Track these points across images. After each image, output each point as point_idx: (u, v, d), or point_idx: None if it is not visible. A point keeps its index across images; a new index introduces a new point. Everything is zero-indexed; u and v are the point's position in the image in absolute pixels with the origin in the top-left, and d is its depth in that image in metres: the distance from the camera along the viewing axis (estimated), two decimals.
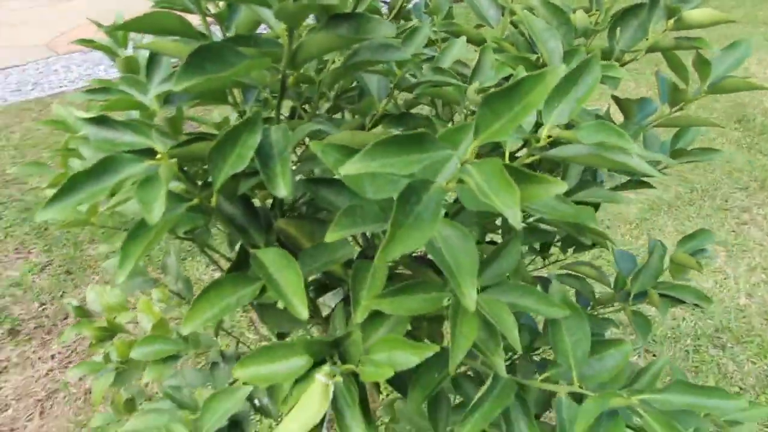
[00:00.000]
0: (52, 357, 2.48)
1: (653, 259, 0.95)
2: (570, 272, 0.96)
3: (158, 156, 0.48)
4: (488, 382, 0.60)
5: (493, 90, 0.42)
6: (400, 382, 0.65)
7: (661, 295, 0.90)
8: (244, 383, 0.56)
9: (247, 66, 0.47)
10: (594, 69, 0.53)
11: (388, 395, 2.06)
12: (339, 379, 0.50)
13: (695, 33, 0.72)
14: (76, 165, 0.67)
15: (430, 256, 0.47)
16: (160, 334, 0.88)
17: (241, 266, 0.64)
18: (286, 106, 0.64)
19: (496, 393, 0.60)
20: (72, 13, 5.60)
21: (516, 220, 0.36)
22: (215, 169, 0.51)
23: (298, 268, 0.54)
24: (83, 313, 1.26)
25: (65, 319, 2.62)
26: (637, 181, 0.89)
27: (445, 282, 0.58)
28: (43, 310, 2.65)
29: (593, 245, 1.01)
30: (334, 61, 0.61)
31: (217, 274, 2.06)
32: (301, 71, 0.55)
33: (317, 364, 0.56)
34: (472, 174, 0.40)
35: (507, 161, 0.49)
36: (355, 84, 0.70)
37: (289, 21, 0.49)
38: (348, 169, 0.40)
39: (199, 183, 0.55)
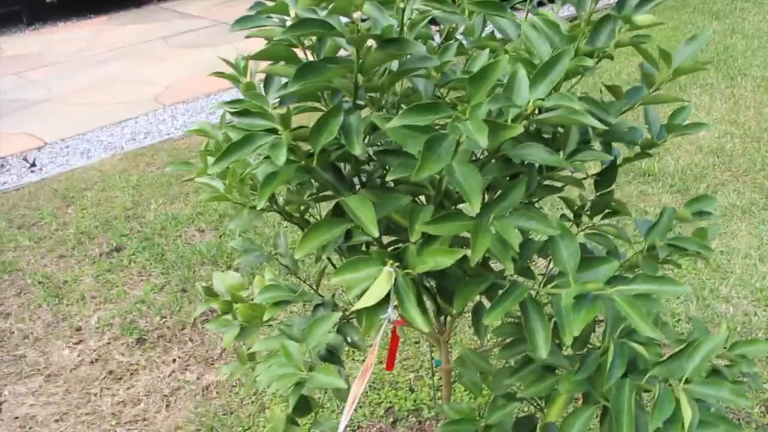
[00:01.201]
0: (173, 361, 2.86)
1: (663, 219, 1.17)
2: (596, 231, 1.19)
3: (280, 132, 0.78)
4: (507, 286, 0.86)
5: (471, 74, 0.69)
6: (449, 295, 0.91)
7: (669, 245, 1.12)
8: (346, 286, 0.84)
9: (332, 73, 0.77)
10: (563, 60, 0.79)
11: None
12: (400, 272, 0.77)
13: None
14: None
15: (449, 184, 0.74)
16: (277, 285, 1.18)
17: (335, 216, 0.93)
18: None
19: (515, 294, 0.85)
20: (172, 70, 6.25)
21: (484, 143, 0.62)
22: (314, 141, 0.80)
23: (371, 206, 0.82)
24: (211, 293, 1.59)
25: (183, 329, 3.01)
26: (641, 154, 1.12)
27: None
28: (164, 322, 3.05)
29: (616, 212, 1.24)
30: (391, 71, 0.89)
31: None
32: (368, 77, 0.84)
33: None
34: (464, 124, 0.67)
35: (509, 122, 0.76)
36: (410, 86, 0.99)
37: (356, 45, 0.77)
38: (392, 123, 0.68)
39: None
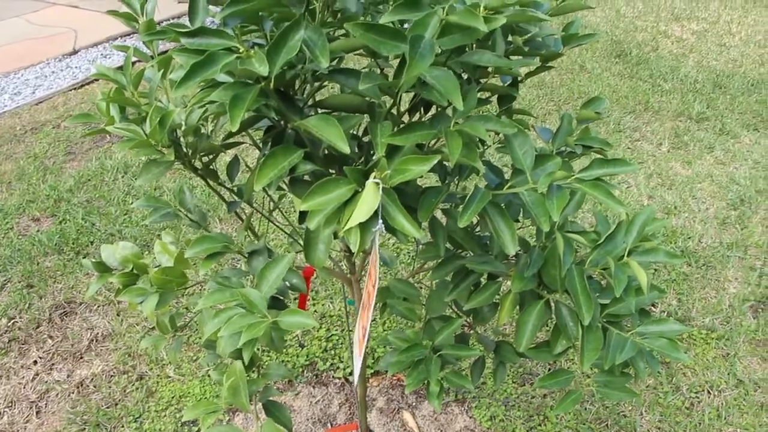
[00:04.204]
0: (35, 363, 2.58)
1: (564, 123, 1.25)
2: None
3: (241, 51, 0.72)
4: (471, 191, 0.88)
5: None
6: (411, 208, 0.91)
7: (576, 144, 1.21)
8: (310, 212, 0.81)
9: None
10: None
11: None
12: (382, 184, 0.76)
13: None
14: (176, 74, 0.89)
15: (431, 84, 0.74)
16: (209, 236, 1.10)
17: (278, 143, 0.88)
18: None
19: (478, 197, 0.88)
20: None
21: (483, 27, 0.63)
22: (272, 61, 0.75)
23: (336, 122, 0.79)
24: (103, 267, 1.45)
25: (38, 327, 2.72)
26: (542, 67, 1.19)
27: (433, 123, 0.84)
28: (14, 324, 2.74)
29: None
30: None
31: (221, 206, 2.29)
32: None
33: (357, 192, 0.81)
34: (447, 19, 0.67)
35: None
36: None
37: None
38: (384, 19, 0.67)
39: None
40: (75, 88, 4.74)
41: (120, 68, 1.01)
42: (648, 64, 4.89)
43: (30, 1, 6.52)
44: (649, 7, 6.12)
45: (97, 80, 4.76)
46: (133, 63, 1.01)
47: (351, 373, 2.45)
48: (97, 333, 2.67)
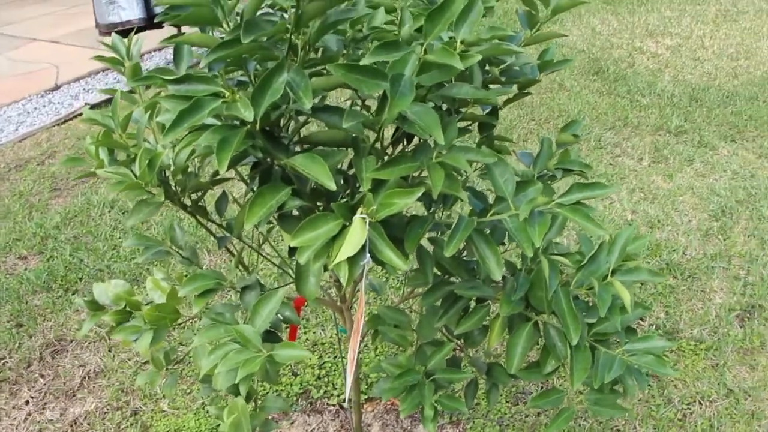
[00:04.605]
0: (26, 403, 2.56)
1: (544, 148, 1.29)
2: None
3: (227, 95, 0.75)
4: (456, 220, 0.91)
5: (430, 9, 0.72)
6: (398, 239, 0.94)
7: (556, 168, 1.25)
8: (300, 248, 0.83)
9: (276, 28, 0.75)
10: (478, 4, 0.84)
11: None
12: (369, 219, 0.78)
13: None
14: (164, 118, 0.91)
15: (412, 121, 0.76)
16: (202, 274, 1.12)
17: (266, 179, 0.91)
18: None
19: (462, 226, 0.91)
20: None
21: (459, 65, 0.66)
22: (257, 103, 0.78)
23: (322, 160, 0.82)
24: (95, 306, 1.46)
25: (29, 366, 2.70)
26: (521, 94, 1.23)
27: (416, 155, 0.87)
28: (4, 364, 2.71)
29: (498, 152, 1.34)
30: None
31: (210, 238, 2.31)
32: (303, 32, 0.83)
33: (344, 226, 0.84)
34: (425, 58, 0.70)
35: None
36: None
37: None
38: (365, 61, 0.69)
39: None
40: (58, 124, 4.74)
41: (107, 102, 1.03)
42: (625, 80, 4.99)
43: (10, 38, 6.55)
44: (624, 25, 6.25)
45: (80, 115, 4.77)
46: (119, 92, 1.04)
47: (344, 400, 2.45)
48: (89, 370, 2.65)
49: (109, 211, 3.61)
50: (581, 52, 5.50)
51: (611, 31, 6.08)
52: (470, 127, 1.11)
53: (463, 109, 1.05)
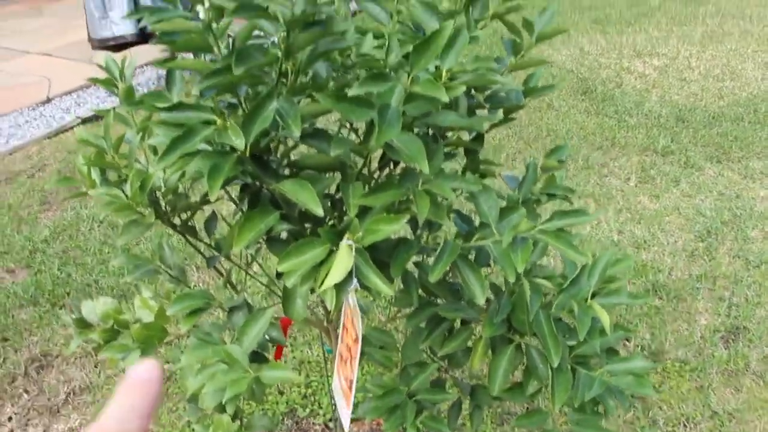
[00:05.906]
0: (9, 419, 2.55)
1: (529, 172, 1.31)
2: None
3: (218, 122, 0.77)
4: (441, 245, 0.93)
5: (417, 42, 0.74)
6: (384, 264, 0.95)
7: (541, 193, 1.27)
8: (287, 272, 0.85)
9: (269, 58, 0.77)
10: (464, 34, 0.87)
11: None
12: (355, 244, 0.80)
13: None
14: (156, 140, 0.92)
15: (399, 149, 0.79)
16: (189, 294, 1.13)
17: (255, 202, 0.93)
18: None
19: (447, 251, 0.93)
20: None
21: (444, 97, 0.69)
22: (247, 130, 0.80)
23: (309, 185, 0.84)
24: (83, 324, 1.46)
25: (13, 382, 2.69)
26: (506, 119, 1.25)
27: (402, 181, 0.89)
28: None
29: (483, 176, 1.36)
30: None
31: (200, 258, 2.34)
32: (293, 61, 0.85)
33: (331, 251, 0.86)
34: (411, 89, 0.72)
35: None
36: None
37: (290, 27, 0.79)
38: (353, 92, 0.72)
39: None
40: (49, 137, 4.74)
41: (99, 117, 1.04)
42: (613, 100, 5.05)
43: (3, 51, 6.55)
44: (612, 45, 6.33)
45: (71, 128, 4.77)
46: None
47: (331, 419, 2.45)
48: (75, 386, 2.64)
49: (99, 226, 3.61)
50: (570, 71, 5.57)
51: (599, 51, 6.16)
52: (456, 151, 1.13)
53: (449, 134, 1.07)
